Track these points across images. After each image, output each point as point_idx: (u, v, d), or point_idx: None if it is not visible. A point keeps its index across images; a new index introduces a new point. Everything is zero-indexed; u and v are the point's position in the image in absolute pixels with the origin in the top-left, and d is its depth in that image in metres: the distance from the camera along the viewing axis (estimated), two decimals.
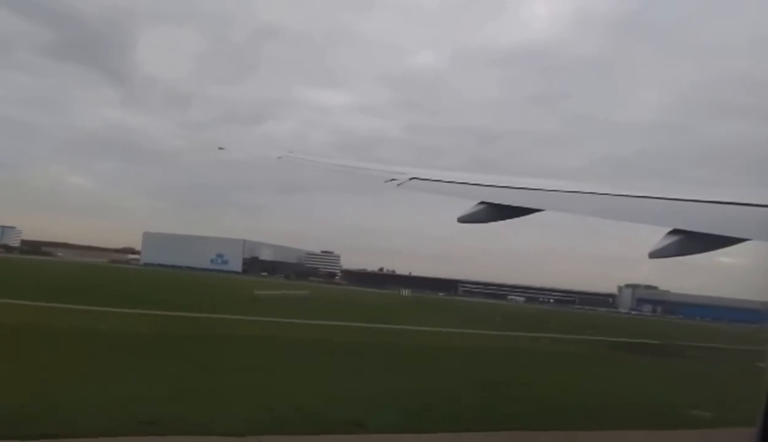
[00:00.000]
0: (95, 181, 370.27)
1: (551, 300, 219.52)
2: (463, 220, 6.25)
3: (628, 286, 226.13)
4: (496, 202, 6.02)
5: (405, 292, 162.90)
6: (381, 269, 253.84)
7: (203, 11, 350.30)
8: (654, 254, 4.33)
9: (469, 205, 6.29)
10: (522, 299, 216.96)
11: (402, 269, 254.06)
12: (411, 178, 8.20)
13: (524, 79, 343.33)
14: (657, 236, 4.44)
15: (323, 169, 12.30)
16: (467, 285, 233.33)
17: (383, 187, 8.54)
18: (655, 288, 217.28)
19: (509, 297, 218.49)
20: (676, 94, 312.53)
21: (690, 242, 4.24)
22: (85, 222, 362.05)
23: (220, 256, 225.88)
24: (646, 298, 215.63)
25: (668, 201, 4.98)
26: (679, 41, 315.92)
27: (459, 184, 7.18)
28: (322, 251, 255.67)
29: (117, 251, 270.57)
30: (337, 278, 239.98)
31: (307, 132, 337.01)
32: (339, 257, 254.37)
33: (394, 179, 8.44)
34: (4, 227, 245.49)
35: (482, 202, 6.15)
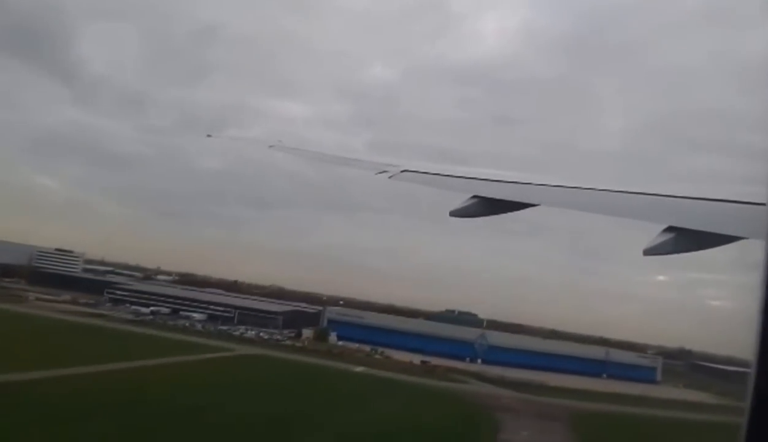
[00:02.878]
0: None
1: (195, 313, 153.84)
2: (456, 214, 6.17)
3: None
4: (490, 196, 5.95)
5: None
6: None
7: (147, 9, 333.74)
8: (648, 252, 4.29)
9: (461, 199, 6.22)
10: (147, 309, 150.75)
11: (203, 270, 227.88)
12: (403, 171, 8.17)
13: (483, 99, 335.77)
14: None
15: (314, 159, 12.23)
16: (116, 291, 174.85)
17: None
18: (474, 315, 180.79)
19: (132, 307, 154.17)
20: (638, 123, 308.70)
21: (685, 239, 4.21)
22: None
23: None
24: (338, 319, 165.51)
25: (663, 197, 4.95)
26: (636, 67, 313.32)
27: (452, 178, 7.11)
28: (56, 249, 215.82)
29: None
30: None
31: (274, 142, 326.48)
32: (79, 257, 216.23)
33: (385, 171, 8.42)
34: None
35: (475, 196, 6.08)
